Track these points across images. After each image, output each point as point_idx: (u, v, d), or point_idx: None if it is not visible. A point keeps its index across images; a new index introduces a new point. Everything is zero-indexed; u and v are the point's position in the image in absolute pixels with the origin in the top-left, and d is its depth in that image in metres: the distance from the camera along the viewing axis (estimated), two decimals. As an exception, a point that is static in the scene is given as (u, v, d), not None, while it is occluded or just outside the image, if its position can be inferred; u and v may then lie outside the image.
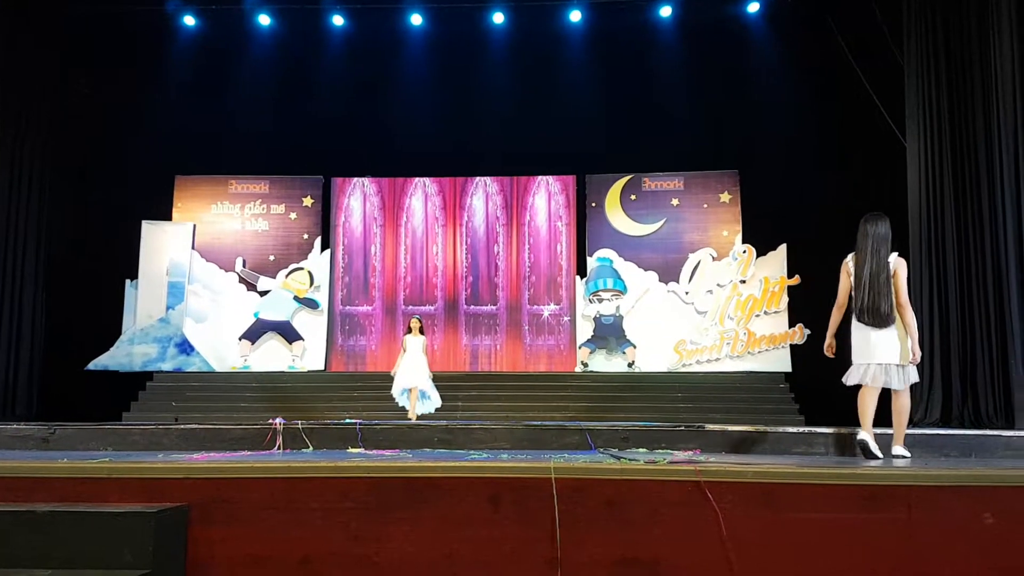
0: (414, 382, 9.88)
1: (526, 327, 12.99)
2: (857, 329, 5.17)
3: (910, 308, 5.13)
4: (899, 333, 5.08)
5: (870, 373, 5.06)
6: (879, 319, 5.04)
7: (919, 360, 5.14)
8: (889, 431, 5.16)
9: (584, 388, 12.14)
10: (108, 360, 12.31)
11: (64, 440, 5.83)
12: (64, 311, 11.83)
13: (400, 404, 10.09)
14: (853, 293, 5.20)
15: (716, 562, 3.39)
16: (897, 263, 5.12)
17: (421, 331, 10.22)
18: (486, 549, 3.51)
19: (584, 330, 12.75)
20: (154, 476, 3.69)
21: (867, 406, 5.06)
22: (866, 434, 4.99)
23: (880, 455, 4.90)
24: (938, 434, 5.64)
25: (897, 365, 5.05)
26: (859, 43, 10.97)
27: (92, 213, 12.37)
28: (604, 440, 5.52)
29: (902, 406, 5.11)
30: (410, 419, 9.54)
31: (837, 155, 11.99)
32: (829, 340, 5.37)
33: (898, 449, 5.08)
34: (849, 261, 5.27)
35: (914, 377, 5.12)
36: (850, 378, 5.17)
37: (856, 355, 5.17)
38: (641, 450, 5.28)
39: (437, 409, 10.08)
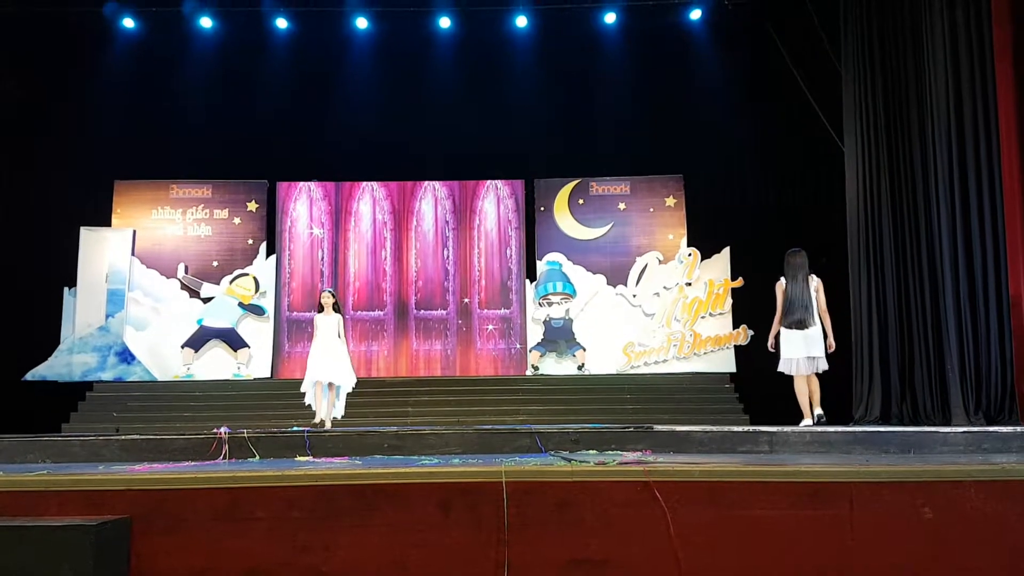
0: (324, 374, 7.84)
1: (476, 331, 12.97)
2: (788, 334, 7.20)
3: (827, 313, 7.25)
4: (818, 333, 7.12)
5: (795, 365, 7.14)
6: (804, 325, 7.11)
7: (834, 349, 7.22)
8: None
9: (535, 391, 12.16)
10: (46, 370, 11.96)
11: (1, 452, 5.65)
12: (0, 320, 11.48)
13: (307, 402, 8.12)
14: (783, 308, 7.23)
15: (665, 560, 3.43)
16: (817, 283, 7.25)
17: (336, 308, 8.12)
18: (437, 554, 3.49)
19: (534, 333, 12.78)
20: (95, 488, 3.60)
21: (801, 390, 7.17)
22: (808, 412, 7.09)
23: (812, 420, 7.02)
24: (878, 431, 5.78)
25: (817, 357, 7.10)
26: (798, 49, 11.20)
27: (29, 219, 12.00)
28: (555, 443, 5.54)
29: (816, 384, 7.18)
30: (320, 424, 7.66)
31: (778, 159, 12.27)
32: (771, 340, 7.44)
33: (818, 410, 7.10)
34: (783, 283, 7.26)
35: (825, 365, 7.16)
36: (783, 368, 7.23)
37: (787, 352, 7.20)
38: (591, 452, 5.32)
39: (343, 417, 8.26)
